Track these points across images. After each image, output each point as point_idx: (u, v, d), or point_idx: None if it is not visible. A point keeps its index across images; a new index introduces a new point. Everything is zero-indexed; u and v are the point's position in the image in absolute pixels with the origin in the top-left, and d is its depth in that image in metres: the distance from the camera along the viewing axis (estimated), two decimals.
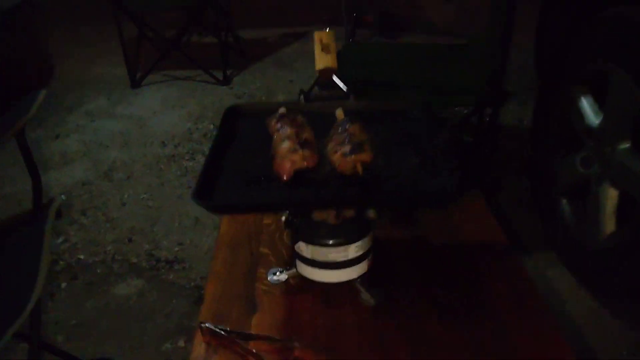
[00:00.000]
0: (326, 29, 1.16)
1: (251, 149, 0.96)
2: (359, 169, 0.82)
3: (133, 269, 2.19)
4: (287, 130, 0.90)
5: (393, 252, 1.08)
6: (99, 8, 3.91)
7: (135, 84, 3.76)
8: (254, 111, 1.09)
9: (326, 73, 1.11)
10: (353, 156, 0.82)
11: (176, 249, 2.30)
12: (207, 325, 0.91)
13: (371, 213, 0.96)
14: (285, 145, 0.86)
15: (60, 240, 2.37)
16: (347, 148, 0.84)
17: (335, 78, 1.11)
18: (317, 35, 1.16)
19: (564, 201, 2.10)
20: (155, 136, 3.13)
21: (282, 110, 1.00)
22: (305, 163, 0.84)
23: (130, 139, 3.12)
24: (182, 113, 3.37)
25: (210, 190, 0.86)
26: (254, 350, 0.86)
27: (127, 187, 2.70)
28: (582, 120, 1.97)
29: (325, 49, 1.14)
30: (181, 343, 1.85)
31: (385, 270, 1.04)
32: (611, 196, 1.78)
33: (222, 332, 0.89)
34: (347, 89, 1.09)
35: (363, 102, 1.08)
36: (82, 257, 2.27)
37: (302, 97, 1.09)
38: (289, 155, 0.84)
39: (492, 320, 0.92)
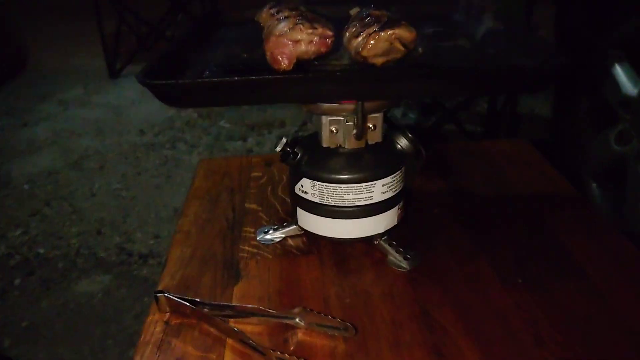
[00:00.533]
0: None
1: (234, 45, 0.68)
2: (399, 46, 0.54)
3: (100, 264, 1.89)
4: (286, 13, 0.62)
5: (428, 205, 0.80)
6: (80, 2, 3.66)
7: (114, 74, 3.48)
8: (241, 19, 0.81)
9: None
10: (388, 31, 0.54)
11: (151, 242, 2.00)
12: (166, 294, 0.61)
13: (402, 141, 0.68)
14: (285, 23, 0.58)
15: (17, 232, 2.06)
16: (376, 26, 0.56)
17: None
18: None
19: (595, 185, 1.84)
20: (133, 124, 2.83)
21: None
22: (314, 45, 0.56)
23: (106, 128, 2.82)
24: None
25: (168, 74, 0.57)
26: (235, 329, 0.57)
27: (99, 177, 2.40)
28: (618, 91, 1.71)
29: None
30: None
31: (420, 226, 0.75)
32: None
33: (189, 305, 0.60)
34: None
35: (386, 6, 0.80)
36: (41, 251, 1.96)
37: None
38: (289, 33, 0.55)
39: (585, 287, 0.63)
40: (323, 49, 0.56)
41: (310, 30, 0.56)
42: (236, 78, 0.51)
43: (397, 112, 2.78)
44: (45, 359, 1.51)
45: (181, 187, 2.27)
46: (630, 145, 1.60)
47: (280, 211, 0.80)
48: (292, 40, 0.55)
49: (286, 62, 0.55)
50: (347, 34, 0.62)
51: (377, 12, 0.64)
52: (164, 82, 0.52)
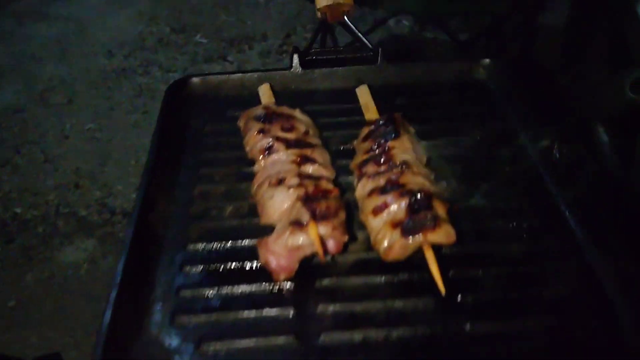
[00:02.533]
0: None
1: (214, 181, 0.53)
2: (433, 267, 0.41)
3: (82, 226, 1.79)
4: (282, 157, 0.47)
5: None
6: None
7: None
8: (216, 93, 0.64)
9: (335, 12, 0.65)
10: (419, 235, 0.41)
11: (134, 195, 1.88)
12: None
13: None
14: (282, 199, 0.43)
15: None
16: (399, 214, 0.42)
17: (349, 22, 0.65)
18: None
19: (603, 130, 1.71)
20: (99, 44, 2.57)
21: (261, 111, 0.56)
22: (321, 247, 0.42)
23: (69, 49, 2.56)
24: (131, 13, 2.78)
25: (134, 314, 0.43)
26: None
27: (69, 114, 2.21)
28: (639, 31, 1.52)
29: None
30: None
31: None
32: None
33: None
34: (372, 47, 0.63)
35: (398, 68, 0.63)
36: (18, 210, 1.84)
37: (296, 59, 0.64)
38: (290, 235, 0.41)
39: None
40: (334, 252, 0.43)
41: (315, 230, 0.42)
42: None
43: (392, 21, 2.53)
44: (37, 344, 1.47)
45: None
46: None
47: None
48: (292, 248, 0.41)
49: (287, 274, 0.42)
50: (360, 186, 0.48)
51: (397, 150, 0.49)
52: None
